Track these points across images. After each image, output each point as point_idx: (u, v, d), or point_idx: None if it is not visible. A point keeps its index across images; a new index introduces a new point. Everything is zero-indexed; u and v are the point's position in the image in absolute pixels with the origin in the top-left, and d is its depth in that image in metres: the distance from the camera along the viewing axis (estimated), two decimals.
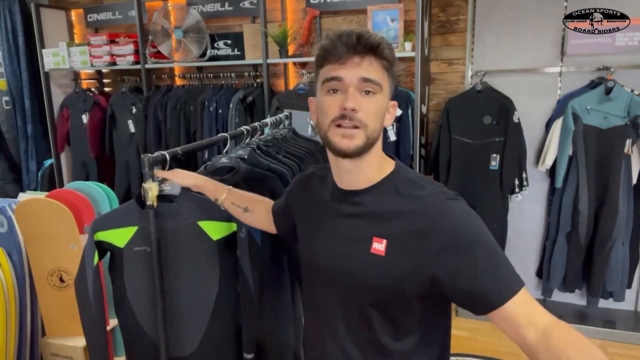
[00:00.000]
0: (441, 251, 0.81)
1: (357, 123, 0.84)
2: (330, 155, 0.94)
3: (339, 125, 0.85)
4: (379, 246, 0.87)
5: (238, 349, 1.37)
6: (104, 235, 1.29)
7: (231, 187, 1.28)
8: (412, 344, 0.91)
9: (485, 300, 0.80)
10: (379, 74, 0.85)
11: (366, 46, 0.83)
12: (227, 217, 1.30)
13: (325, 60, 0.87)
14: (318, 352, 1.02)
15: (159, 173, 1.23)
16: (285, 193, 1.18)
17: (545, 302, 2.90)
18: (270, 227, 1.25)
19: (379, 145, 0.91)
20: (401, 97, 2.61)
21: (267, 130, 2.07)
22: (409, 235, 0.85)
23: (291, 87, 3.08)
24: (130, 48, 3.24)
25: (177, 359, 1.32)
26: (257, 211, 1.25)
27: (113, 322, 1.51)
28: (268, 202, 1.27)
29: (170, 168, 1.27)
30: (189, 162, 3.05)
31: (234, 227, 1.31)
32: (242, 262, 1.29)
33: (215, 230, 1.30)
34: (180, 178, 1.26)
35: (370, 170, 0.92)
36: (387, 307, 0.89)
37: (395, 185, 0.91)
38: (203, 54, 3.10)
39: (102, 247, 1.30)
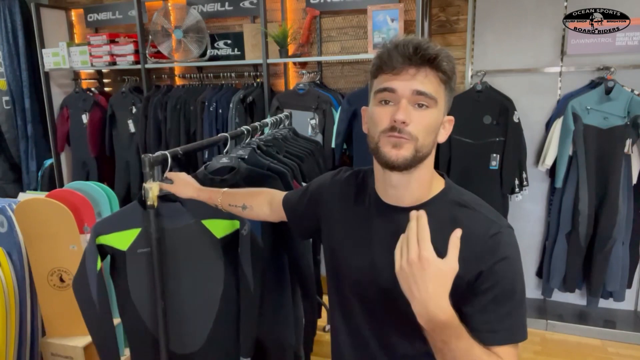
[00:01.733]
0: (479, 277, 0.82)
1: (407, 135, 0.81)
2: (377, 167, 0.91)
3: (389, 136, 0.82)
4: None
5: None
6: (106, 239, 1.28)
7: (225, 189, 1.27)
8: None
9: (477, 333, 0.81)
10: (434, 87, 0.82)
11: (423, 57, 0.80)
12: (231, 215, 1.29)
13: (379, 70, 0.84)
14: None
15: (163, 186, 1.25)
16: (309, 191, 1.12)
17: (545, 302, 2.91)
18: (272, 217, 1.22)
19: (429, 161, 0.88)
20: None
21: (267, 130, 2.07)
22: None
23: (291, 87, 3.08)
24: (130, 48, 3.24)
25: (184, 356, 1.32)
26: (255, 206, 1.23)
27: (115, 320, 1.51)
28: (267, 193, 1.24)
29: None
30: (189, 162, 3.05)
31: (237, 224, 1.31)
32: (242, 260, 1.28)
33: (219, 228, 1.30)
34: (179, 191, 1.26)
35: (419, 187, 0.89)
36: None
37: (445, 207, 0.87)
38: (203, 54, 3.10)
39: (103, 251, 1.29)
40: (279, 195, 1.21)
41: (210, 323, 1.32)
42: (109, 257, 1.31)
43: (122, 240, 1.28)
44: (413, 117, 0.81)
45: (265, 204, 1.22)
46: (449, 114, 0.90)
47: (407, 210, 0.86)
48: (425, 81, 0.81)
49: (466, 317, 0.84)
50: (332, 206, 1.03)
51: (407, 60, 0.80)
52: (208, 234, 1.30)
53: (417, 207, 0.86)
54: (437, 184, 0.92)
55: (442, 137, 0.89)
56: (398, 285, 0.86)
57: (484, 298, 0.82)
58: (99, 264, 1.26)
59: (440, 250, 0.83)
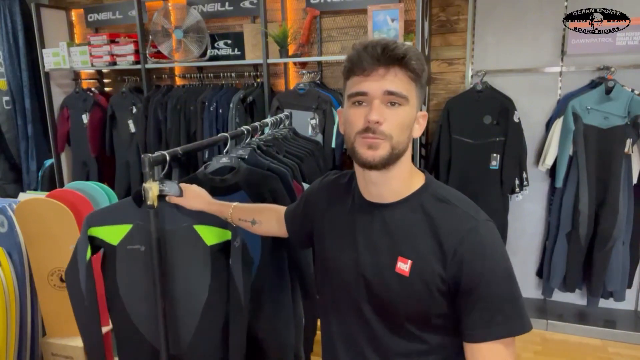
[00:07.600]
0: (461, 277, 0.82)
1: (381, 135, 0.82)
2: (356, 166, 0.92)
3: (364, 138, 0.84)
4: (403, 266, 0.86)
5: (226, 355, 1.35)
6: (97, 232, 1.28)
7: (236, 203, 1.29)
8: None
9: (468, 331, 0.83)
10: (404, 86, 0.83)
11: (391, 57, 0.81)
12: (223, 224, 1.28)
13: (351, 72, 0.86)
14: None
15: (173, 199, 1.25)
16: (304, 198, 1.15)
17: (545, 302, 2.91)
18: (280, 232, 1.25)
19: (407, 158, 0.89)
20: None
21: (267, 130, 2.07)
22: (434, 258, 0.84)
23: (291, 87, 3.08)
24: (130, 48, 3.24)
25: (170, 355, 1.31)
26: (264, 221, 1.26)
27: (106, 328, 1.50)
28: (275, 209, 1.27)
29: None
30: (189, 162, 3.05)
31: (228, 235, 1.29)
32: (234, 272, 1.26)
33: (210, 235, 1.29)
34: (190, 202, 1.27)
35: (398, 183, 0.90)
36: (410, 322, 0.89)
37: (424, 202, 0.89)
38: (203, 54, 3.10)
39: (95, 244, 1.29)
40: (283, 210, 1.24)
41: (193, 328, 1.30)
42: (103, 250, 1.30)
43: (113, 234, 1.27)
44: (386, 116, 0.82)
45: (273, 219, 1.25)
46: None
47: (388, 207, 0.90)
48: (395, 80, 0.82)
49: (454, 313, 0.85)
50: (321, 208, 1.06)
51: (376, 61, 0.82)
52: (199, 239, 1.28)
53: (398, 203, 0.90)
54: (417, 179, 0.93)
55: (417, 133, 0.90)
56: (383, 282, 0.88)
57: (467, 295, 0.82)
58: (89, 254, 1.26)
59: (417, 245, 0.85)
